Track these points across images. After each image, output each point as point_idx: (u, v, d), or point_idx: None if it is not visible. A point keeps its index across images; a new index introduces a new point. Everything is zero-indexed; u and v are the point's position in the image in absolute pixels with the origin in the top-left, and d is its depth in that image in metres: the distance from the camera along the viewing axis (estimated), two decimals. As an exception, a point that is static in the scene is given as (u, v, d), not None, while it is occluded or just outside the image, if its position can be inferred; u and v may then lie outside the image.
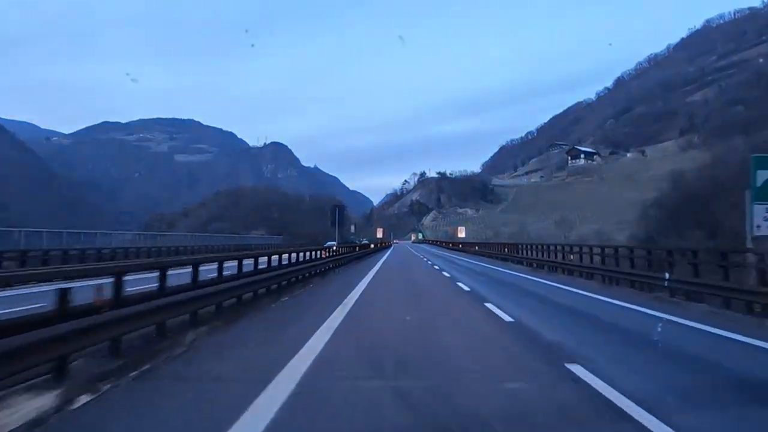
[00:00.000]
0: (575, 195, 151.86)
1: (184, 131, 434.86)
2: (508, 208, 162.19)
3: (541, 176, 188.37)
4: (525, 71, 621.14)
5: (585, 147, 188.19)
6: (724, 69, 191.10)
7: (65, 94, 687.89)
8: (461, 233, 59.28)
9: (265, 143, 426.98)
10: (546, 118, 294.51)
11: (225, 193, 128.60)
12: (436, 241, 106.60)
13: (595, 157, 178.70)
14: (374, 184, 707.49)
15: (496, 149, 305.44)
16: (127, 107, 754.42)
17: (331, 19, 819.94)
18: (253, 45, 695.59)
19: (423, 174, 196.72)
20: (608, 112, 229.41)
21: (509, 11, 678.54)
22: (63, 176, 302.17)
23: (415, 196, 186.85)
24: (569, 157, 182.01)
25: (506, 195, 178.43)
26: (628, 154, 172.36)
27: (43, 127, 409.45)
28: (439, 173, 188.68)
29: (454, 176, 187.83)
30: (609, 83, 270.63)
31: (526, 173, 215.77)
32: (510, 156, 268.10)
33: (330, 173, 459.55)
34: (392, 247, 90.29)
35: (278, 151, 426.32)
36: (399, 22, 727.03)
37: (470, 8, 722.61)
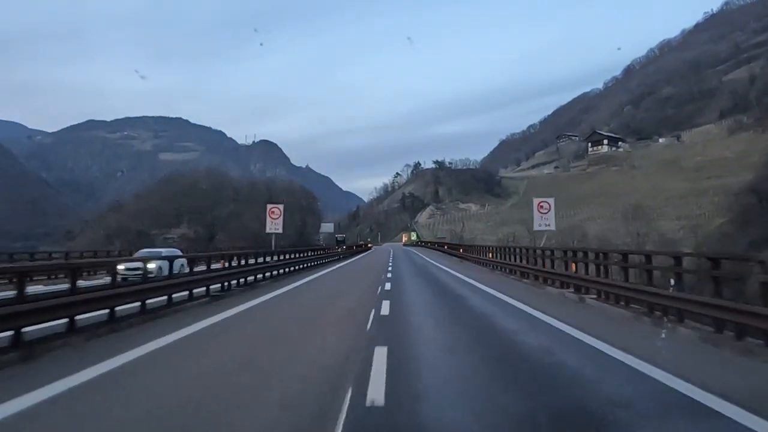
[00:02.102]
0: (604, 186, 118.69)
1: (170, 129, 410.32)
2: (520, 203, 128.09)
3: (556, 167, 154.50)
4: (524, 71, 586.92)
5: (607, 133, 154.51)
6: (763, 44, 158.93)
7: (55, 95, 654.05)
8: (546, 218, 22.71)
9: (253, 141, 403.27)
10: (548, 114, 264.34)
11: (160, 182, 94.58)
12: (441, 244, 70.58)
13: (619, 143, 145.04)
14: (368, 186, 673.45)
15: (494, 149, 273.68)
16: (120, 108, 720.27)
17: (326, 22, 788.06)
18: (261, 44, 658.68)
19: (418, 165, 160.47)
20: (623, 99, 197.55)
21: (507, 10, 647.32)
22: (35, 175, 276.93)
23: (408, 190, 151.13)
24: (589, 144, 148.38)
25: (515, 188, 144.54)
26: (661, 140, 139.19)
27: (31, 127, 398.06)
28: (436, 162, 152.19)
29: (454, 166, 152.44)
30: (609, 77, 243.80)
31: (533, 167, 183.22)
32: (511, 150, 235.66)
33: (323, 174, 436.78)
34: (365, 255, 55.92)
35: (268, 149, 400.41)
36: (396, 22, 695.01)
37: (465, 9, 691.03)
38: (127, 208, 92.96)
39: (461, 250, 36.46)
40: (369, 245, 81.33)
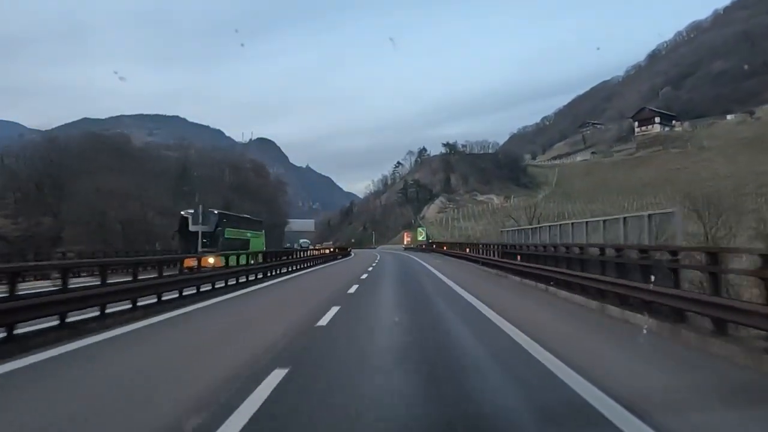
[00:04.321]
0: (669, 171, 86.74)
1: (166, 127, 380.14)
2: (555, 195, 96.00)
3: (593, 152, 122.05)
4: (526, 70, 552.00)
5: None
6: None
7: (55, 94, 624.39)
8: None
9: (250, 139, 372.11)
10: (563, 105, 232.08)
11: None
12: (508, 252, 23.98)
13: (673, 122, 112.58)
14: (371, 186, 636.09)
15: (504, 143, 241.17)
16: (119, 108, 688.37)
17: (325, 22, 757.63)
18: (242, 44, 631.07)
19: (423, 151, 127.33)
20: (657, 82, 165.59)
21: (507, 9, 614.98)
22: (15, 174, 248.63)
23: (412, 178, 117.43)
24: (636, 124, 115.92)
25: (544, 177, 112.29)
26: (729, 117, 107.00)
27: (30, 126, 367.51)
28: (446, 145, 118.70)
29: (468, 150, 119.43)
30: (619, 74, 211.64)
31: (554, 158, 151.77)
32: (524, 144, 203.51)
33: (324, 174, 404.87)
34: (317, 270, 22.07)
35: (265, 148, 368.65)
36: (396, 23, 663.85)
37: (465, 8, 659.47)
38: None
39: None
40: (330, 250, 47.52)
